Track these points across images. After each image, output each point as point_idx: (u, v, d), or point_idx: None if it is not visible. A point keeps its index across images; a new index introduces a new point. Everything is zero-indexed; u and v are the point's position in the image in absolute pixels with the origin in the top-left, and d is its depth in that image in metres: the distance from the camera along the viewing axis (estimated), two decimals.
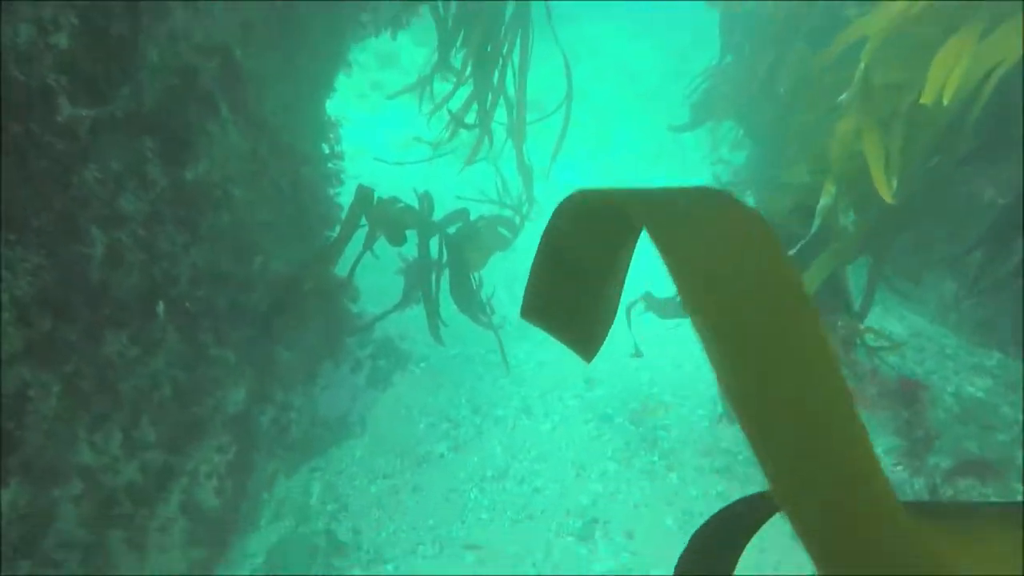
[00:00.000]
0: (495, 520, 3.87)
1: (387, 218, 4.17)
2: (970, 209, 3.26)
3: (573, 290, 0.81)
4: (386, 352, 4.94)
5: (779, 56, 3.25)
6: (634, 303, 3.73)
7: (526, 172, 5.38)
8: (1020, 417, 3.29)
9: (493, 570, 3.59)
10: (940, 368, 3.72)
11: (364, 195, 4.27)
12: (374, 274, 4.72)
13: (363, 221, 4.35)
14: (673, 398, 4.27)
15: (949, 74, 1.99)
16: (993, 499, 2.69)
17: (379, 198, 4.37)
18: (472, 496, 4.02)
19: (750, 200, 3.84)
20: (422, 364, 4.86)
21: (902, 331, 3.90)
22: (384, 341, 4.98)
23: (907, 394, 2.74)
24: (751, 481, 3.61)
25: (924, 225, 3.25)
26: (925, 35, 2.25)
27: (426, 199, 4.49)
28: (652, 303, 3.75)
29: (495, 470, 4.13)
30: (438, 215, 4.55)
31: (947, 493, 2.72)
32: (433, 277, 4.50)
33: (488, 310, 4.59)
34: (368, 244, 4.31)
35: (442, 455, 4.31)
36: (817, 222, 2.47)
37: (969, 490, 2.71)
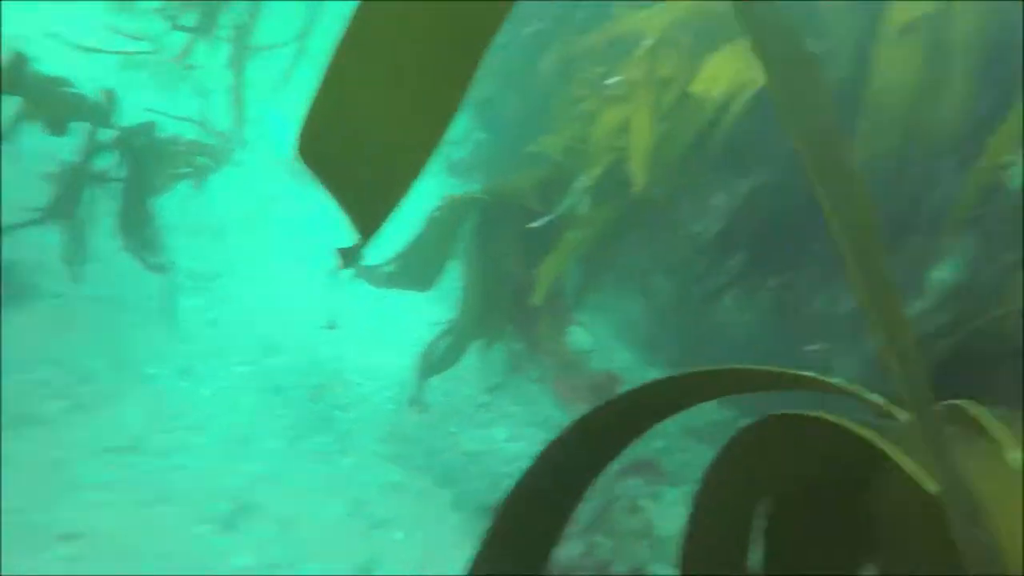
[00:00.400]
0: (114, 502, 3.06)
1: (50, 98, 3.22)
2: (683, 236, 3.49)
3: (383, 110, 0.59)
4: (4, 279, 3.79)
5: (541, 30, 3.18)
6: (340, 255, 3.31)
7: (239, 107, 4.67)
8: (675, 428, 3.59)
9: (92, 567, 2.78)
10: None
11: (18, 62, 3.25)
12: (11, 175, 3.63)
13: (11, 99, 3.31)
14: (359, 377, 3.91)
15: (721, 72, 2.04)
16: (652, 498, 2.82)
17: (41, 73, 3.36)
18: (85, 471, 3.16)
19: (478, 183, 3.70)
20: (53, 301, 3.83)
21: (587, 339, 4.05)
22: (6, 265, 3.82)
23: (606, 391, 2.77)
24: (429, 471, 3.38)
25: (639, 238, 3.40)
26: (687, 37, 2.30)
27: (110, 96, 3.57)
28: (361, 270, 3.37)
29: (129, 439, 3.33)
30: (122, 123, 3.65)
31: (617, 491, 2.77)
32: (91, 193, 3.57)
33: (159, 249, 3.78)
34: (10, 129, 3.28)
35: (54, 417, 3.37)
36: (569, 202, 2.38)
37: (634, 488, 2.80)
